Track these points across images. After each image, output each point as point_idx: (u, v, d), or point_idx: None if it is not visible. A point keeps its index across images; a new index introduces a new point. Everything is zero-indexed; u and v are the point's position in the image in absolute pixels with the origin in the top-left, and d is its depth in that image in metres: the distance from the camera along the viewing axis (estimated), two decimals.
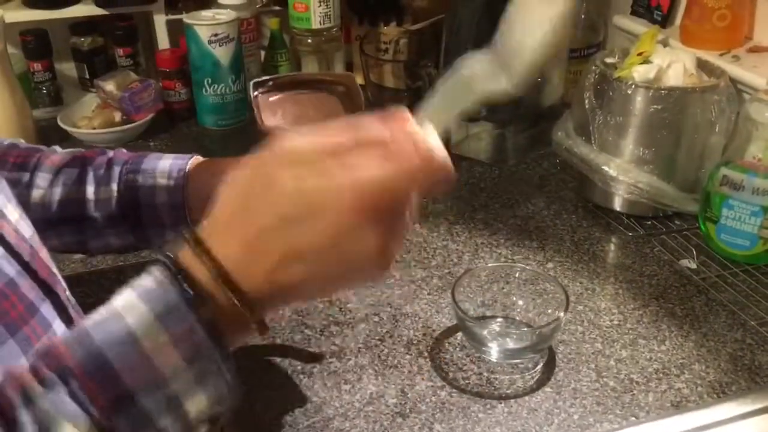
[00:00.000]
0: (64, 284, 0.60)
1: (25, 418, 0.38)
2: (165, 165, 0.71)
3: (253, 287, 0.41)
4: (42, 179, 0.71)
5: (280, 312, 0.43)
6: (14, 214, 0.57)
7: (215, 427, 0.43)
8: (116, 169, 0.72)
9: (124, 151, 0.76)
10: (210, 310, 0.40)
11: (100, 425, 0.38)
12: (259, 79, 0.74)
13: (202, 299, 0.40)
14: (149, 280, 0.41)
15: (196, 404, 0.41)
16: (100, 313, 0.41)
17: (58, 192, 0.71)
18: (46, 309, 0.54)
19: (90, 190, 0.71)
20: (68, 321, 0.57)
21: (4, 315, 0.49)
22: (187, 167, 0.71)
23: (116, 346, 0.39)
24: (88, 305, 0.45)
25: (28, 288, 0.53)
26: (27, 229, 0.58)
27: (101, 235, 0.72)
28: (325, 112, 0.75)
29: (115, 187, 0.71)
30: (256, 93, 0.73)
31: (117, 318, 0.40)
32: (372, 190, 0.40)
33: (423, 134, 0.42)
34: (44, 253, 0.59)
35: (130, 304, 0.40)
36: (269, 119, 0.73)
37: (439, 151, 0.42)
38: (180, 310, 0.40)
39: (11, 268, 0.52)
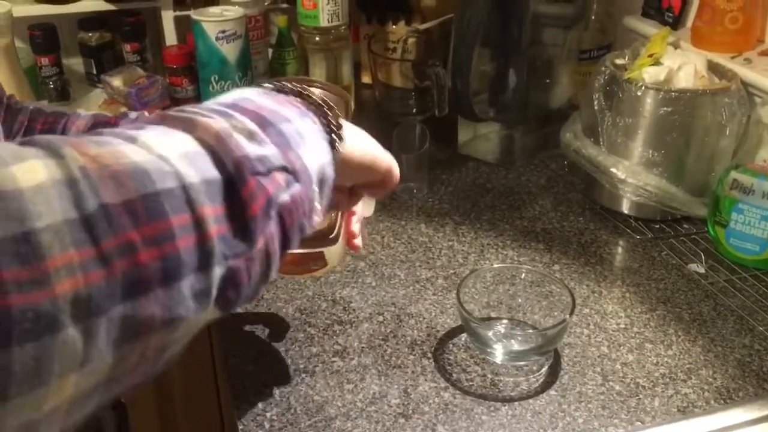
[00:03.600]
0: None
1: (191, 111, 0.41)
2: None
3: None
4: None
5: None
6: None
7: None
8: None
9: (147, 114, 0.76)
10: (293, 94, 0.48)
11: (254, 127, 0.42)
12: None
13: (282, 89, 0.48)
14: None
15: (316, 156, 0.46)
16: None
17: None
18: None
19: None
20: None
21: None
22: None
23: (238, 99, 0.44)
24: None
25: None
26: None
27: None
28: None
29: None
30: None
31: (234, 93, 0.46)
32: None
33: None
34: None
35: (243, 90, 0.46)
36: None
37: None
38: (284, 89, 0.48)
39: None
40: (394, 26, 1.33)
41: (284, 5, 1.44)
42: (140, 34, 1.40)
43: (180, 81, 1.30)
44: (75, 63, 1.44)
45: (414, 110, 1.29)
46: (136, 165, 0.35)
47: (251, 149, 0.40)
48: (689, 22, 1.13)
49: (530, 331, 0.79)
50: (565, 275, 0.89)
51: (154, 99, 1.26)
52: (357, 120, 1.36)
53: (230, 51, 1.24)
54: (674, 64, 0.95)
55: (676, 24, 1.15)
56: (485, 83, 1.13)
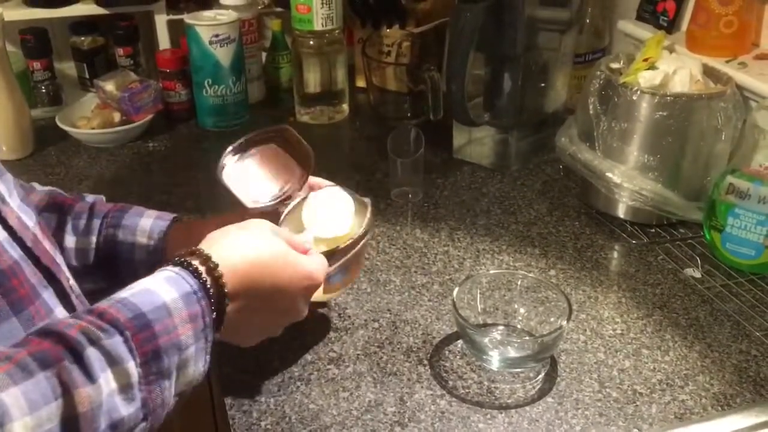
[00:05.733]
0: (68, 273, 0.60)
1: (92, 353, 0.46)
2: (146, 224, 0.74)
3: (232, 290, 0.57)
4: None
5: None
6: (16, 202, 0.58)
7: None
8: (96, 222, 0.74)
9: (104, 200, 0.77)
10: (207, 301, 0.54)
11: (138, 371, 0.48)
12: (222, 162, 0.72)
13: (205, 291, 0.54)
14: (168, 271, 0.55)
15: (192, 374, 0.53)
16: (133, 288, 0.52)
17: None
18: (48, 296, 0.55)
19: (69, 240, 0.73)
20: (71, 308, 0.58)
21: (11, 292, 0.51)
22: (168, 230, 0.74)
23: (156, 312, 0.50)
24: (94, 298, 0.56)
25: (30, 273, 0.55)
26: (29, 219, 0.58)
27: (77, 281, 0.75)
28: (278, 164, 0.76)
29: (94, 239, 0.74)
30: (226, 171, 0.71)
31: (151, 293, 0.52)
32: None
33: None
34: (47, 244, 0.59)
35: (159, 284, 0.53)
36: (243, 192, 0.72)
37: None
38: (193, 296, 0.53)
39: (14, 252, 0.54)
40: (388, 30, 1.33)
41: (278, 9, 1.43)
42: (133, 38, 1.40)
43: (173, 85, 1.30)
44: (67, 67, 1.43)
45: (409, 114, 1.29)
46: None
47: (110, 417, 0.46)
48: (684, 26, 1.13)
49: (526, 337, 0.79)
50: (561, 280, 0.89)
51: (148, 103, 1.25)
52: (352, 124, 1.35)
53: (224, 55, 1.23)
54: (669, 68, 0.94)
55: (670, 28, 1.15)
56: (480, 87, 1.13)
